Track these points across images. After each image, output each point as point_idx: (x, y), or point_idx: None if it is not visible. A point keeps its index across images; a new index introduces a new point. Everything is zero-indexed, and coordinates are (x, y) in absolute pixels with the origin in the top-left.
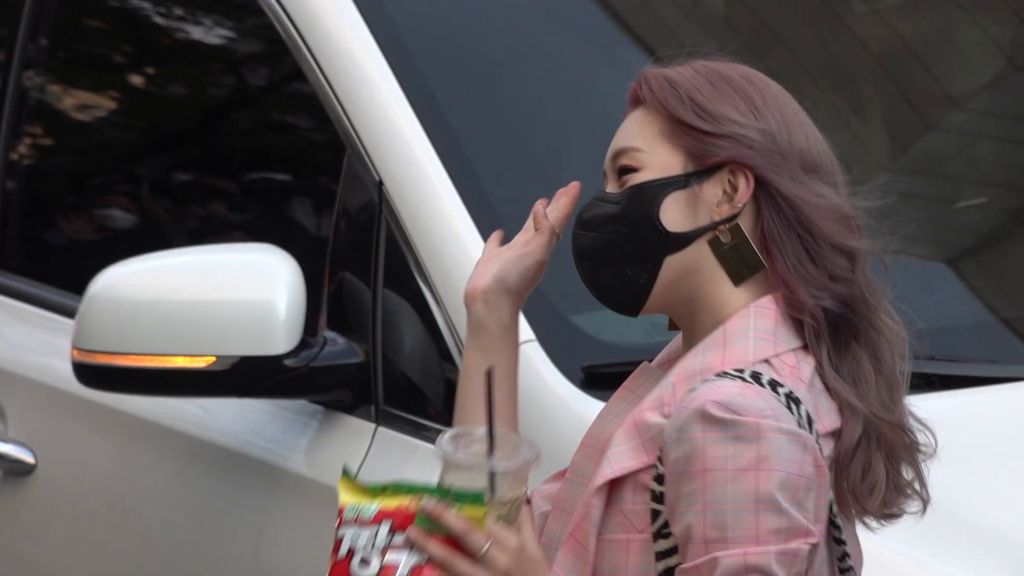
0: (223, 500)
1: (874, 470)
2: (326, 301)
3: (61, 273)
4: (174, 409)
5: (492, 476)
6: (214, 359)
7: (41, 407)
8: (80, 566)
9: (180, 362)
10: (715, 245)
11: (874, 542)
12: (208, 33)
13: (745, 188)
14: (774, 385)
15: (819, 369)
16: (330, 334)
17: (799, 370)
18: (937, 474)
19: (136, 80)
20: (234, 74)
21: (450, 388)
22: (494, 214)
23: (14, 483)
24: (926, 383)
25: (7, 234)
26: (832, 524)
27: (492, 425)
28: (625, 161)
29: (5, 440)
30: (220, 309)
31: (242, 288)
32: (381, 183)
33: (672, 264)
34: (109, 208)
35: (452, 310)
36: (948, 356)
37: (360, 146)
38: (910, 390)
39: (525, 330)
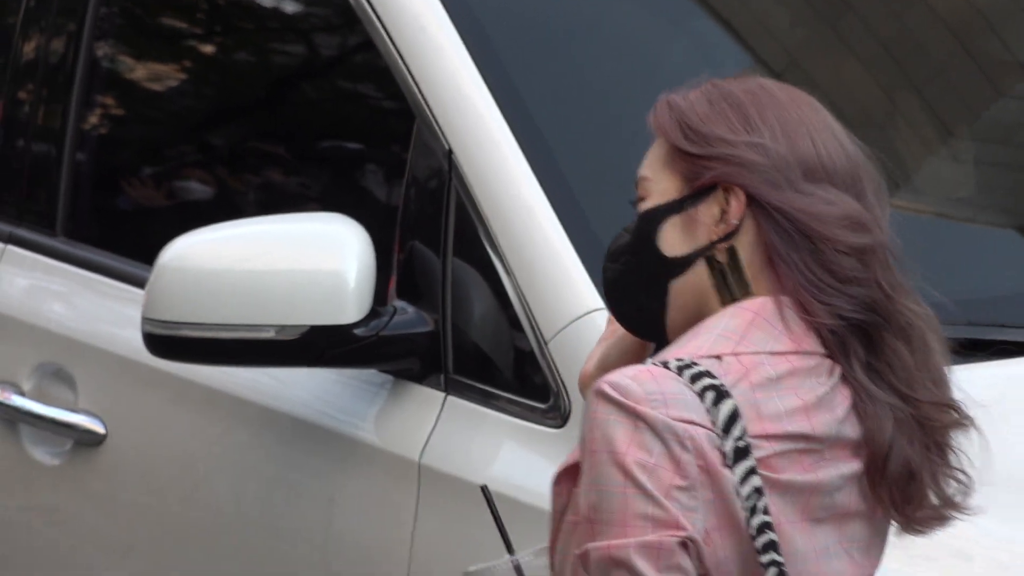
0: (294, 470)
1: (917, 471)
2: (396, 270)
3: (131, 243)
4: (244, 379)
5: (519, 569)
6: (283, 328)
7: (111, 377)
8: (150, 537)
9: (249, 332)
10: (712, 265)
11: None
12: (278, 2)
13: (737, 206)
14: (697, 376)
15: (849, 373)
16: (400, 303)
17: (756, 371)
18: (1007, 440)
19: (206, 50)
20: (304, 43)
21: (519, 357)
22: (564, 182)
23: (85, 453)
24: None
25: (78, 204)
26: (768, 550)
27: (502, 527)
28: (638, 191)
29: (75, 410)
30: (290, 278)
31: (312, 257)
32: (451, 152)
33: (678, 288)
34: (179, 178)
35: (521, 278)
36: (1019, 323)
37: (430, 115)
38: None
39: (594, 299)
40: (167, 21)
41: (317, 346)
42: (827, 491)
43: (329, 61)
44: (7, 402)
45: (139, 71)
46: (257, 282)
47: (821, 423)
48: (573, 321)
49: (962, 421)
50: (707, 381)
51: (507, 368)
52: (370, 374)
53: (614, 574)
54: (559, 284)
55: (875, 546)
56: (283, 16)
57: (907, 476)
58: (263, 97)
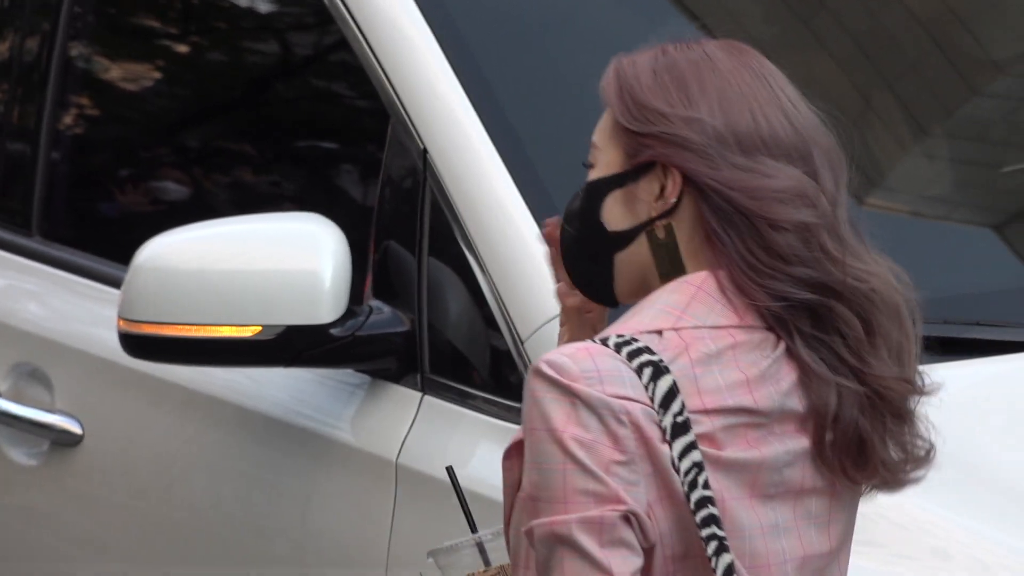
0: (270, 469)
1: (868, 439)
2: (371, 270)
3: (107, 243)
4: (221, 379)
5: (481, 547)
6: (260, 329)
7: (88, 377)
8: (127, 536)
9: (226, 332)
10: (652, 241)
11: (919, 507)
12: (252, 2)
13: (673, 185)
14: (635, 353)
15: (791, 347)
16: (375, 303)
17: (696, 345)
18: (983, 439)
19: (180, 49)
20: (278, 43)
21: (496, 356)
22: (538, 181)
23: (61, 453)
24: (946, 348)
25: (53, 204)
26: (708, 524)
27: (466, 508)
28: (589, 156)
29: (52, 410)
30: (266, 278)
31: (287, 257)
32: (425, 151)
33: (622, 260)
34: (154, 178)
35: (497, 278)
36: (994, 321)
37: (404, 114)
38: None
39: None
40: (141, 20)
41: (293, 346)
42: (774, 467)
43: (303, 60)
44: None
45: (113, 71)
46: (233, 282)
47: (764, 396)
48: (550, 320)
49: (921, 391)
50: (645, 357)
51: (484, 367)
52: (347, 374)
53: (558, 551)
54: (535, 283)
55: (838, 522)
56: (257, 15)
57: (857, 446)
58: (238, 97)
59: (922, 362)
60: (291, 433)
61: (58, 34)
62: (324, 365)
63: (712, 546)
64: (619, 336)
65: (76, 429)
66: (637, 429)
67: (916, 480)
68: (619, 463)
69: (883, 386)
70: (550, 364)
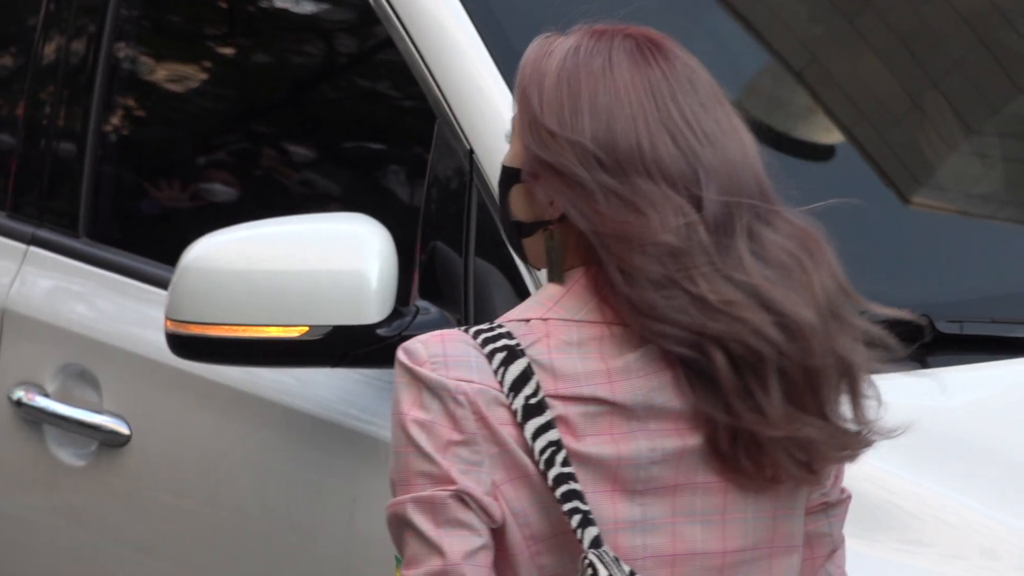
0: (317, 470)
1: (763, 442)
2: (418, 270)
3: (154, 244)
4: (267, 379)
5: None
6: (307, 329)
7: (135, 378)
8: (173, 537)
9: (272, 332)
10: (545, 240)
11: (967, 507)
12: (298, 2)
13: (556, 204)
14: (491, 339)
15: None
16: (422, 303)
17: (557, 333)
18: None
19: (226, 51)
20: (324, 44)
21: None
22: None
23: (109, 454)
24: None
25: (100, 205)
26: (570, 499)
27: None
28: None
29: (100, 411)
30: (312, 279)
31: (334, 258)
32: (472, 151)
33: (528, 245)
34: (200, 179)
35: (543, 277)
36: None
37: (450, 115)
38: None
39: None
40: (187, 22)
41: (340, 346)
42: (636, 463)
43: (349, 61)
44: (31, 403)
45: (160, 72)
46: (279, 283)
47: (625, 389)
48: None
49: (772, 435)
50: (501, 343)
51: None
52: (393, 374)
53: (403, 531)
54: None
55: (741, 521)
56: (303, 17)
57: (752, 446)
58: (284, 98)
59: (970, 360)
60: (338, 433)
61: (104, 36)
62: (371, 365)
63: (576, 519)
64: (482, 325)
65: (124, 430)
66: (476, 409)
67: (851, 458)
68: (458, 443)
69: (763, 434)
70: (405, 350)
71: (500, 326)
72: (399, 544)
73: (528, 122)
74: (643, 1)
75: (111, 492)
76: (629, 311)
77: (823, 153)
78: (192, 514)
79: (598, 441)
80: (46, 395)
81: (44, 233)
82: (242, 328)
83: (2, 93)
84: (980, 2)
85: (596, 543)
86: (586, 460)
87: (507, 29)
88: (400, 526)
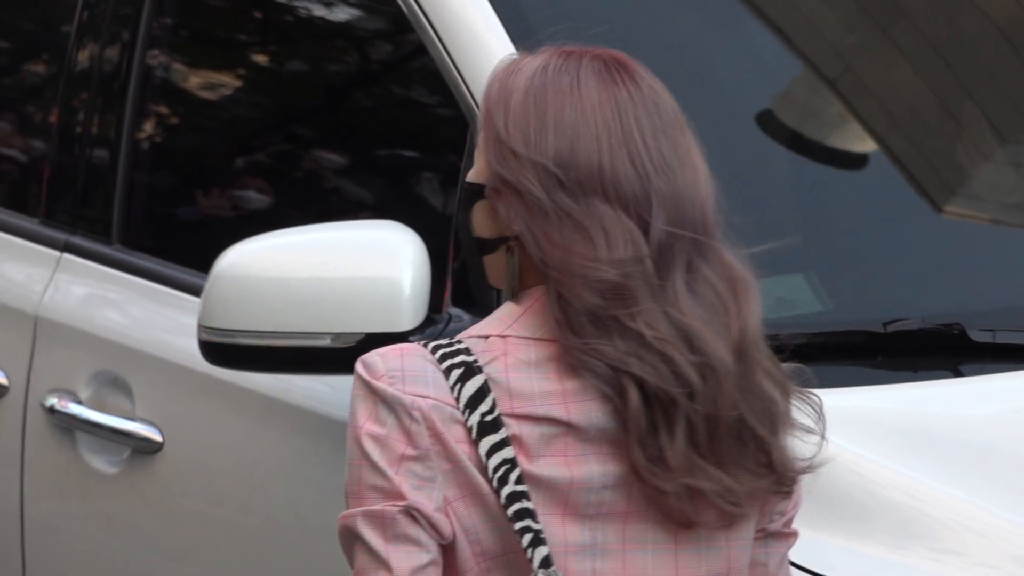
0: None
1: (663, 441)
2: (451, 277)
3: (187, 251)
4: (300, 387)
5: None
6: (339, 336)
7: (168, 385)
8: (207, 545)
9: (305, 340)
10: (506, 255)
11: (997, 515)
12: (331, 10)
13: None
14: (449, 355)
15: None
16: (455, 311)
17: (515, 352)
18: None
19: (259, 58)
20: (356, 50)
21: None
22: None
23: (142, 461)
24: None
25: (133, 212)
26: (522, 518)
27: None
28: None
29: (132, 418)
30: (345, 286)
31: (367, 265)
32: None
33: (488, 263)
34: (233, 186)
35: None
36: None
37: None
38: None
39: None
40: (220, 30)
41: None
42: (587, 487)
43: (382, 68)
44: (64, 410)
45: (193, 79)
46: (313, 290)
47: (579, 410)
48: None
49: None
50: (458, 359)
51: None
52: None
53: (352, 544)
54: None
55: (693, 552)
56: (336, 24)
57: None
58: (316, 105)
59: (1002, 369)
60: None
61: (138, 43)
62: None
63: (527, 538)
64: (441, 340)
65: (156, 437)
66: (431, 426)
67: (781, 494)
68: (411, 458)
69: (653, 484)
70: (363, 363)
71: (459, 342)
72: (349, 557)
73: (492, 139)
74: (675, 10)
75: (143, 499)
76: (561, 337)
77: (857, 162)
78: (225, 522)
79: (551, 463)
80: (79, 402)
81: (77, 240)
82: (275, 335)
83: (36, 100)
84: (1015, 10)
85: (546, 563)
86: (538, 482)
87: (541, 37)
88: (350, 539)
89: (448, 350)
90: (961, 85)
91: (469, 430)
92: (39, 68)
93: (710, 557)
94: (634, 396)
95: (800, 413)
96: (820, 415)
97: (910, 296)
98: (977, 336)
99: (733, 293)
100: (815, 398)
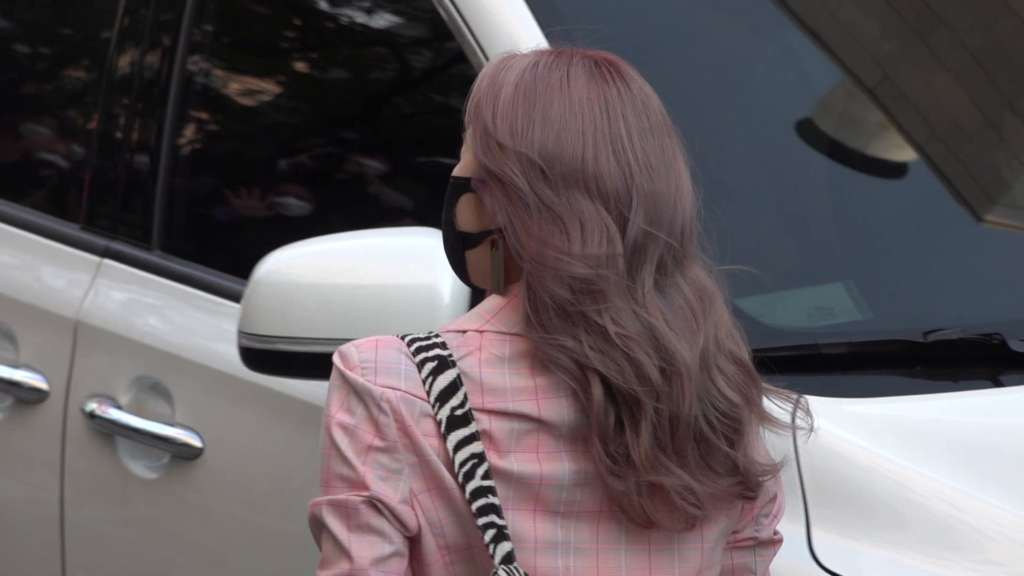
0: None
1: (628, 439)
2: None
3: (227, 257)
4: None
5: None
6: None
7: (208, 391)
8: (245, 549)
9: None
10: (491, 249)
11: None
12: (371, 17)
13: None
14: (424, 348)
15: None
16: None
17: (490, 347)
18: None
19: (299, 65)
20: (396, 57)
21: None
22: None
23: (181, 467)
24: None
25: (173, 218)
26: (486, 513)
27: None
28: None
29: (172, 424)
30: (384, 293)
31: (406, 272)
32: None
33: (471, 259)
34: (273, 192)
35: None
36: None
37: None
38: None
39: None
40: (260, 36)
41: None
42: (558, 484)
43: (422, 75)
44: (104, 415)
45: (233, 85)
46: (352, 296)
47: (551, 407)
48: None
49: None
50: (433, 353)
51: None
52: None
53: (320, 532)
54: None
55: (667, 553)
56: (376, 31)
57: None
58: (355, 112)
59: None
60: None
61: (178, 50)
62: None
63: (490, 534)
64: (418, 334)
65: (196, 442)
66: (399, 418)
67: (745, 498)
68: (379, 449)
69: (608, 482)
70: (340, 353)
71: (437, 336)
72: (318, 544)
73: (480, 132)
74: (716, 20)
75: (183, 505)
76: (528, 329)
77: (896, 171)
78: (264, 527)
79: (522, 458)
80: (119, 407)
81: (117, 246)
82: (314, 342)
83: (77, 106)
84: None
85: (508, 559)
86: (508, 476)
87: (581, 46)
88: (317, 527)
89: (424, 343)
90: (1000, 93)
91: (439, 424)
92: (80, 74)
93: (684, 559)
94: (597, 392)
95: (781, 412)
96: (807, 412)
97: (950, 306)
98: (1017, 346)
99: (700, 301)
100: (795, 397)
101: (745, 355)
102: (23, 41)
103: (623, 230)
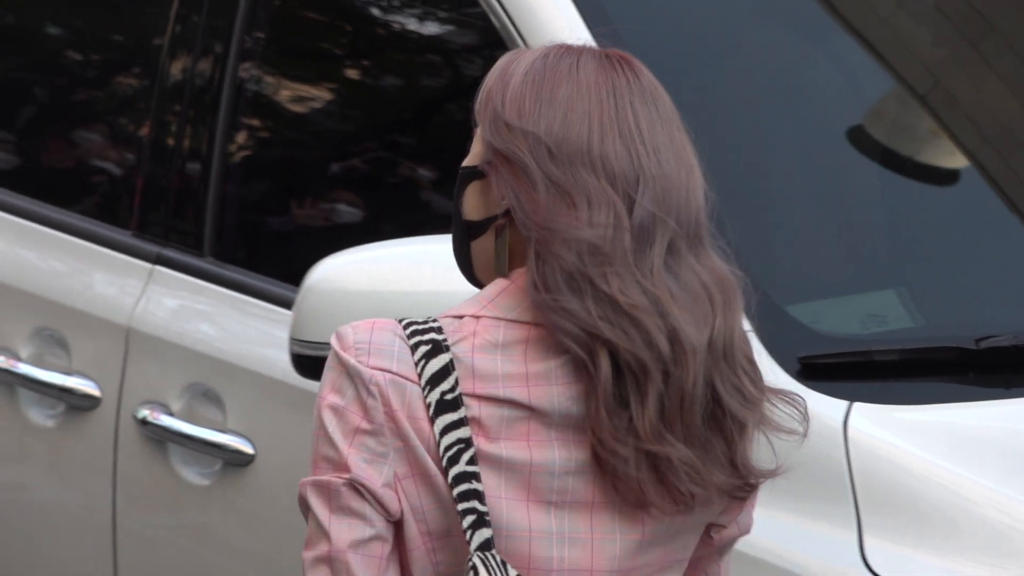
0: None
1: (634, 410)
2: None
3: (278, 263)
4: None
5: None
6: None
7: (260, 398)
8: (298, 557)
9: None
10: (495, 236)
11: None
12: (422, 24)
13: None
14: (419, 332)
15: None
16: None
17: (484, 333)
18: None
19: (351, 72)
20: (448, 65)
21: None
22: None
23: (233, 473)
24: None
25: (225, 225)
26: (467, 499)
27: None
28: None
29: (224, 430)
30: (436, 300)
31: (458, 279)
32: None
33: (477, 248)
34: (325, 199)
35: None
36: None
37: None
38: None
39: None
40: (312, 43)
41: None
42: (549, 472)
43: (473, 82)
44: (156, 422)
45: (284, 92)
46: (403, 303)
47: (543, 394)
48: None
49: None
50: (427, 336)
51: None
52: None
53: (307, 513)
54: None
55: (659, 544)
56: (427, 38)
57: (653, 471)
58: (407, 118)
59: None
60: None
61: (230, 57)
62: None
63: (469, 519)
64: (421, 318)
65: (248, 449)
66: (386, 402)
67: (736, 498)
68: (366, 432)
69: (612, 447)
70: (337, 334)
71: (433, 320)
72: (306, 520)
73: (490, 117)
74: (768, 26)
75: (235, 511)
76: (535, 297)
77: (947, 177)
78: None
79: (511, 445)
80: (171, 414)
81: (169, 252)
82: None
83: (128, 113)
84: None
85: (485, 546)
86: (497, 462)
87: (633, 53)
88: (304, 507)
89: (420, 327)
90: None
91: (428, 407)
92: (132, 81)
93: (673, 548)
94: (604, 362)
95: (784, 416)
96: (804, 416)
97: (1002, 312)
98: None
99: (722, 290)
100: (799, 398)
101: (752, 354)
102: (75, 48)
103: (630, 211)
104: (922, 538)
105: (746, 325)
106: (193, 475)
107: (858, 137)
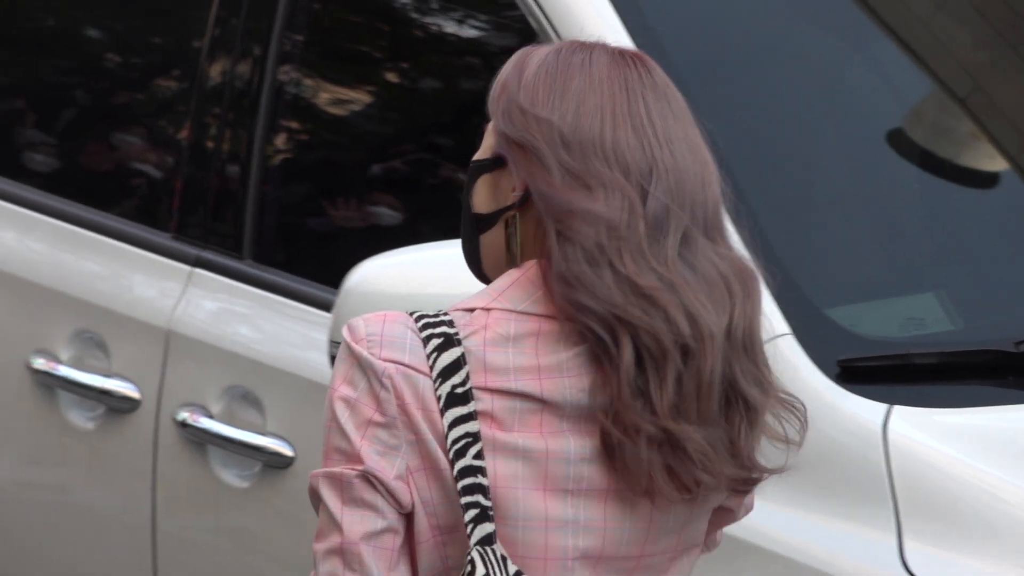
0: None
1: (652, 391)
2: None
3: (317, 266)
4: None
5: None
6: None
7: (299, 400)
8: None
9: None
10: (505, 229)
11: None
12: (461, 26)
13: (519, 182)
14: (431, 325)
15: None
16: None
17: (495, 326)
18: None
19: (390, 75)
20: (487, 67)
21: None
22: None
23: (273, 476)
24: None
25: (264, 227)
26: (471, 492)
27: None
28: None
29: (263, 433)
30: None
31: None
32: None
33: (486, 242)
34: (364, 201)
35: None
36: None
37: None
38: None
39: (780, 323)
40: (351, 46)
41: None
42: (564, 460)
43: None
44: (196, 424)
45: (323, 95)
46: (443, 306)
47: (555, 386)
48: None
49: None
50: (439, 330)
51: None
52: None
53: (319, 505)
54: None
55: (668, 532)
56: (466, 40)
57: (630, 457)
58: (446, 121)
59: None
60: None
61: (269, 60)
62: None
63: (471, 513)
64: (432, 311)
65: (288, 452)
66: (399, 394)
67: (740, 492)
68: (378, 424)
69: (638, 425)
70: (348, 326)
71: (444, 314)
72: (318, 515)
73: (503, 108)
74: (807, 29)
75: (275, 513)
76: (556, 281)
77: (986, 180)
78: None
79: (526, 436)
80: (210, 416)
81: (209, 255)
82: None
83: (168, 115)
84: None
85: (487, 540)
86: (513, 451)
87: (672, 58)
88: (316, 498)
89: (431, 320)
90: None
91: (439, 400)
92: (171, 83)
93: (683, 535)
94: (627, 345)
95: (785, 424)
96: (803, 423)
97: None
98: None
99: (740, 280)
100: (800, 405)
101: (765, 352)
102: (115, 51)
103: (644, 201)
104: (961, 541)
105: (784, 326)
106: (232, 477)
107: (898, 140)
